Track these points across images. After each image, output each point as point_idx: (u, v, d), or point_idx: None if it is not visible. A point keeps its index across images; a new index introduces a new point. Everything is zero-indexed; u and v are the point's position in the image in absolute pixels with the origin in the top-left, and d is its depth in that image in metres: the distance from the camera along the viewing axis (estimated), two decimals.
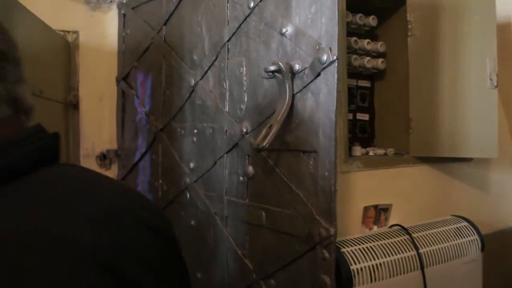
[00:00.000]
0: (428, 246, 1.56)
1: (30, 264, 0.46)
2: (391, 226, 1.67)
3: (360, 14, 1.83)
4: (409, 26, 1.86)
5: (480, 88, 1.69)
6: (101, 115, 2.11)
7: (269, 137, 1.18)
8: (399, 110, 1.91)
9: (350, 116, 1.95)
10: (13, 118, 0.57)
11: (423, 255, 1.53)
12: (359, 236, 1.51)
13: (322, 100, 1.14)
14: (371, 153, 1.85)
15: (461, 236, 1.68)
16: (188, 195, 1.64)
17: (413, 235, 1.57)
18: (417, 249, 1.53)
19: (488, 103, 1.68)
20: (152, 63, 1.84)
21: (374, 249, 1.46)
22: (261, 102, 1.32)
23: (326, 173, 1.14)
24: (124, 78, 2.03)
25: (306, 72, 1.18)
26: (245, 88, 1.38)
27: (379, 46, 1.92)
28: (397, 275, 1.46)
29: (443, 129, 1.75)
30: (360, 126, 2.02)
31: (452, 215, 1.82)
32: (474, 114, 1.70)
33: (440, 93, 1.76)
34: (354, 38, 1.83)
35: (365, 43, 1.86)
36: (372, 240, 1.49)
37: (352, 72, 1.90)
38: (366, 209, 1.65)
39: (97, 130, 2.10)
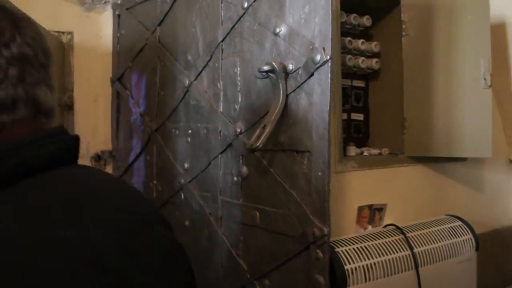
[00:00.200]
0: (422, 246, 1.57)
1: (42, 265, 0.46)
2: (385, 226, 1.68)
3: (354, 14, 1.84)
4: (403, 26, 1.87)
5: (474, 88, 1.69)
6: (96, 116, 2.11)
7: (262, 137, 1.18)
8: (394, 110, 1.92)
9: (345, 116, 1.96)
10: (32, 119, 0.58)
11: (418, 255, 1.53)
12: (354, 236, 1.52)
13: (316, 100, 1.14)
14: (365, 153, 1.85)
15: (455, 236, 1.68)
16: (182, 196, 1.63)
17: (407, 234, 1.57)
18: (411, 248, 1.53)
19: (482, 103, 1.69)
20: (147, 63, 1.83)
21: (369, 248, 1.46)
22: (255, 102, 1.32)
23: (319, 173, 1.14)
24: (118, 79, 2.02)
25: (299, 72, 1.18)
26: (239, 88, 1.38)
27: (374, 46, 1.92)
28: (391, 274, 1.46)
29: (438, 129, 1.76)
30: (355, 126, 2.03)
31: (447, 215, 1.83)
32: (468, 114, 1.71)
33: (434, 93, 1.77)
34: (348, 38, 1.84)
35: (360, 43, 1.87)
36: (367, 240, 1.49)
37: (347, 72, 1.90)
38: (360, 209, 1.65)
39: (91, 131, 2.10)
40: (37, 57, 0.58)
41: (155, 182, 1.79)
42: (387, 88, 1.98)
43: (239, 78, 1.38)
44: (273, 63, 1.19)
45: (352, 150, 1.79)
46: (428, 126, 1.78)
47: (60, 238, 0.49)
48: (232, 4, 1.38)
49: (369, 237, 1.52)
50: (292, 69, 1.19)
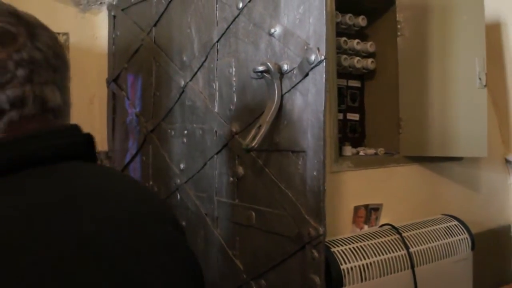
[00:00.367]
0: (418, 245, 1.57)
1: (52, 261, 0.47)
2: (381, 226, 1.68)
3: (349, 14, 1.84)
4: (399, 26, 1.87)
5: (470, 88, 1.70)
6: (92, 116, 2.10)
7: (258, 137, 1.18)
8: (389, 110, 1.92)
9: (341, 116, 1.96)
10: (39, 116, 0.60)
11: (414, 254, 1.54)
12: (350, 236, 1.52)
13: (311, 100, 1.14)
14: (361, 153, 1.85)
15: (451, 235, 1.68)
16: (178, 196, 1.63)
17: (403, 234, 1.57)
18: (407, 248, 1.53)
19: (478, 103, 1.70)
20: (142, 64, 1.83)
21: (365, 248, 1.46)
22: (250, 102, 1.32)
23: (314, 173, 1.14)
24: (114, 80, 2.02)
25: (294, 72, 1.18)
26: (234, 89, 1.38)
27: (369, 46, 1.92)
28: (387, 274, 1.46)
29: (433, 129, 1.76)
30: (351, 126, 2.03)
31: (443, 214, 1.83)
32: (463, 113, 1.71)
33: (429, 93, 1.77)
34: (343, 38, 1.84)
35: (355, 43, 1.87)
36: (363, 240, 1.49)
37: (342, 72, 1.90)
38: (356, 208, 1.65)
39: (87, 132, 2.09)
40: (48, 60, 0.62)
41: (151, 182, 1.79)
42: (383, 88, 1.98)
43: (234, 79, 1.38)
44: (268, 64, 1.19)
45: (348, 150, 1.79)
46: (423, 126, 1.78)
47: (56, 231, 0.50)
48: (227, 5, 1.38)
49: (365, 236, 1.52)
50: (287, 69, 1.19)
